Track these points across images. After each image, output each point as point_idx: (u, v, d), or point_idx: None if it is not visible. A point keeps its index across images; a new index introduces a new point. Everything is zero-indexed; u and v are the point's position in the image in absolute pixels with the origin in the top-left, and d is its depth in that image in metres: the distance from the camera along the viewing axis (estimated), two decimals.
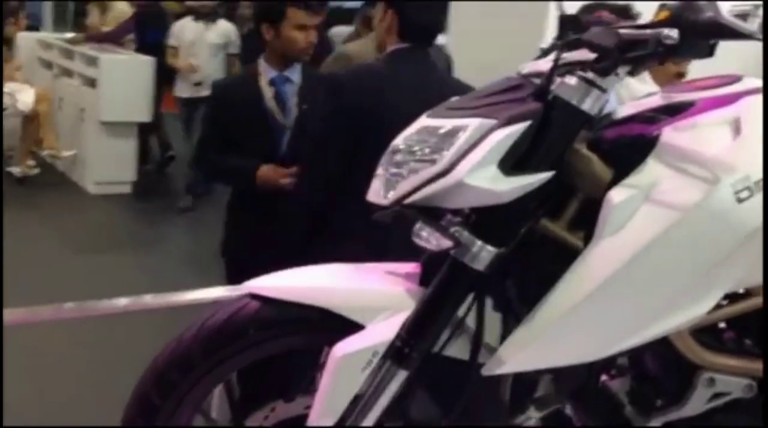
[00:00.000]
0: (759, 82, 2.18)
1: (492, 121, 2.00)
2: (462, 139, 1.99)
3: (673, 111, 2.13)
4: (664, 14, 1.95)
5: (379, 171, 2.15)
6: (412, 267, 2.24)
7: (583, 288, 1.98)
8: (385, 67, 3.42)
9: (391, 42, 3.45)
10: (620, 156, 2.09)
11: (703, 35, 1.90)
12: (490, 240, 2.07)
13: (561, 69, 2.05)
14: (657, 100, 2.22)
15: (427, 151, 2.05)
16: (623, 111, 2.23)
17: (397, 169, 2.10)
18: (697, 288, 1.97)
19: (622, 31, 1.96)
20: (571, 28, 2.27)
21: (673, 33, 1.86)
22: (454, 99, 2.21)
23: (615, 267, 1.96)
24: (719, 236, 1.94)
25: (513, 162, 2.00)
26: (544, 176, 2.00)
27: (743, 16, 1.81)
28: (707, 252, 1.95)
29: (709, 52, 1.95)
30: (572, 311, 1.99)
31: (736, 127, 2.01)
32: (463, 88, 3.19)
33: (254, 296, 2.19)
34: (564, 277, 2.02)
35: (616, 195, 2.00)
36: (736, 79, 2.16)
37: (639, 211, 1.98)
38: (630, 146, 2.09)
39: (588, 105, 2.02)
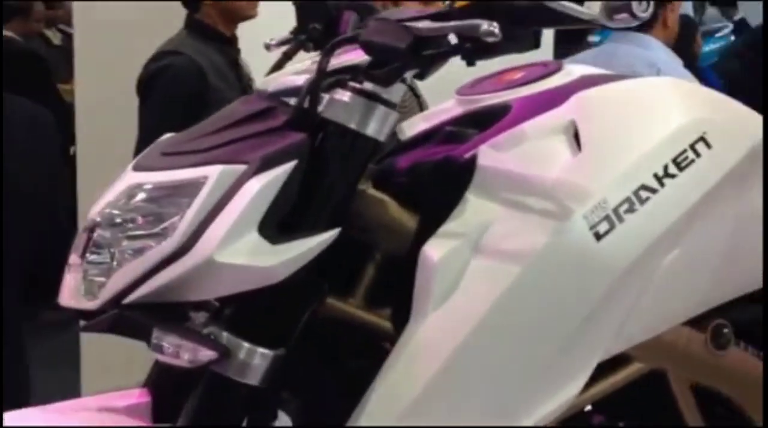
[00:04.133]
0: (587, 70, 1.66)
1: (241, 167, 1.38)
2: (201, 198, 1.37)
3: (483, 121, 1.59)
4: None
5: (72, 259, 1.47)
6: (136, 395, 1.54)
7: (410, 389, 1.41)
8: None
9: None
10: (423, 192, 1.52)
11: (527, 24, 1.35)
12: (260, 340, 1.43)
13: (324, 81, 1.43)
14: (455, 108, 1.67)
15: (146, 220, 1.41)
16: (413, 127, 1.65)
17: (100, 253, 1.44)
18: (562, 361, 1.44)
19: (417, 24, 1.37)
20: (316, 17, 1.67)
21: (495, 28, 1.29)
22: (168, 137, 1.54)
23: (450, 352, 1.40)
24: (579, 287, 1.43)
25: (279, 222, 1.40)
26: (327, 237, 1.40)
27: None
28: (568, 311, 1.43)
29: (535, 44, 1.41)
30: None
31: (575, 136, 1.50)
32: None
33: None
34: (379, 377, 1.43)
35: (434, 250, 1.43)
36: (555, 67, 1.64)
37: (469, 269, 1.43)
38: (434, 177, 1.51)
39: (374, 127, 1.44)
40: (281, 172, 1.38)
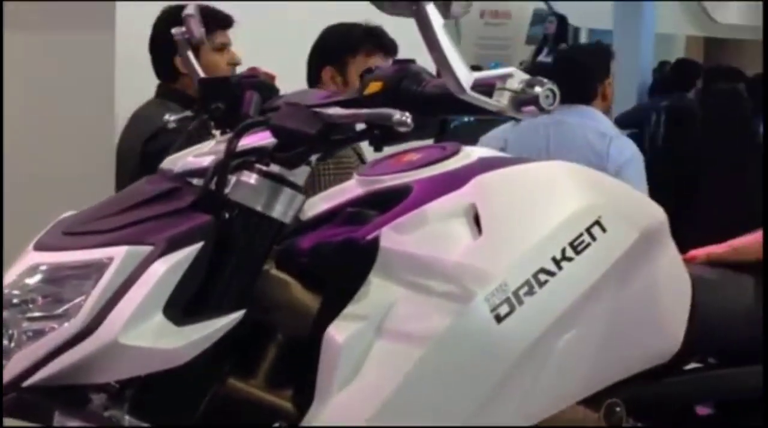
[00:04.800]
0: (485, 152, 1.69)
1: (147, 248, 1.39)
2: (106, 279, 1.37)
3: (384, 202, 1.60)
4: (376, 85, 1.42)
5: None
6: None
7: None
8: None
9: None
10: (325, 273, 1.52)
11: (436, 113, 1.38)
12: (162, 421, 1.42)
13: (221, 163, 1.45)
14: (355, 188, 1.68)
15: (46, 301, 1.39)
16: (314, 208, 1.66)
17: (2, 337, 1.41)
18: None
19: (327, 111, 1.39)
20: (218, 96, 1.68)
21: (407, 117, 1.32)
22: (69, 215, 1.52)
23: None
24: (480, 368, 1.45)
25: (183, 303, 1.39)
26: (232, 318, 1.41)
27: (488, 85, 1.29)
28: (469, 393, 1.44)
29: (441, 129, 1.43)
30: None
31: (474, 219, 1.52)
32: None
33: None
34: None
35: (338, 332, 1.44)
36: (453, 150, 1.66)
37: (373, 350, 1.44)
38: (336, 258, 1.52)
39: (279, 210, 1.45)
40: (187, 253, 1.38)
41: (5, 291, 1.41)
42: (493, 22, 11.71)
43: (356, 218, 1.60)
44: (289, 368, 1.51)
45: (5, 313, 1.40)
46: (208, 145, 1.57)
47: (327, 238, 1.56)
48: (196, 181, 1.50)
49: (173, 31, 1.94)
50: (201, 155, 1.52)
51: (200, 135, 1.72)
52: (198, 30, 1.87)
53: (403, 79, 1.39)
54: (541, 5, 11.39)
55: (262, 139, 1.48)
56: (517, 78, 1.27)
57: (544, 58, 10.81)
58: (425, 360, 1.41)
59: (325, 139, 1.39)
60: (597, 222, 1.52)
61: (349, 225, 1.59)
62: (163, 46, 3.17)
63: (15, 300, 1.40)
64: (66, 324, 1.35)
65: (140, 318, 1.34)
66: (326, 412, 1.41)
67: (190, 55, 1.93)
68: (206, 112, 1.73)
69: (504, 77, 1.28)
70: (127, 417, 1.39)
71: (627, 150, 3.62)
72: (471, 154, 1.67)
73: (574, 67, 3.77)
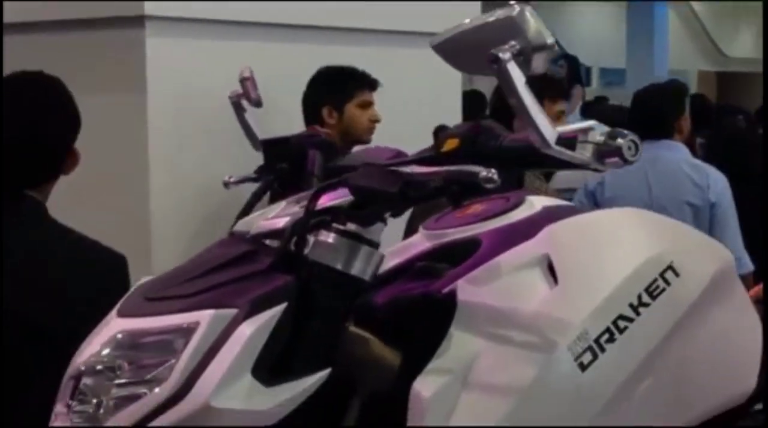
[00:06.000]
0: (548, 201, 1.70)
1: (231, 311, 1.39)
2: (194, 343, 1.38)
3: (453, 255, 1.61)
4: (452, 142, 1.43)
5: (58, 408, 1.45)
6: None
7: None
8: None
9: None
10: (404, 328, 1.53)
11: (518, 167, 1.38)
12: None
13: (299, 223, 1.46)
14: (423, 242, 1.69)
15: (134, 367, 1.40)
16: (384, 263, 1.67)
17: (87, 402, 1.42)
18: None
19: (404, 169, 1.42)
20: (282, 157, 1.69)
21: (494, 174, 1.33)
22: (148, 281, 1.53)
23: None
24: (568, 418, 1.45)
25: (270, 364, 1.40)
26: (319, 377, 1.42)
27: (570, 138, 1.30)
28: None
29: (519, 184, 1.45)
30: None
31: (549, 268, 1.54)
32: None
33: None
34: None
35: (424, 387, 1.44)
36: (517, 200, 1.66)
37: (460, 404, 1.44)
38: (415, 313, 1.53)
39: (358, 267, 1.46)
40: (272, 315, 1.39)
41: (91, 359, 1.42)
42: None
43: (427, 272, 1.61)
44: (372, 424, 1.52)
45: (91, 380, 1.41)
46: (278, 207, 1.58)
47: (402, 293, 1.57)
48: (268, 242, 1.51)
49: (228, 94, 1.98)
50: (274, 217, 1.53)
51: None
52: (254, 92, 1.90)
53: (479, 135, 1.41)
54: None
55: (333, 198, 1.50)
56: (599, 130, 1.29)
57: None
58: (514, 412, 1.41)
59: (405, 198, 1.40)
60: (670, 267, 1.54)
61: (421, 279, 1.60)
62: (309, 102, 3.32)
63: (100, 367, 1.41)
64: (157, 389, 1.35)
65: (230, 381, 1.35)
66: None
67: (247, 116, 1.97)
68: (271, 172, 1.76)
69: (586, 130, 1.29)
70: None
71: (720, 179, 3.70)
72: (534, 203, 1.68)
73: (652, 105, 3.87)
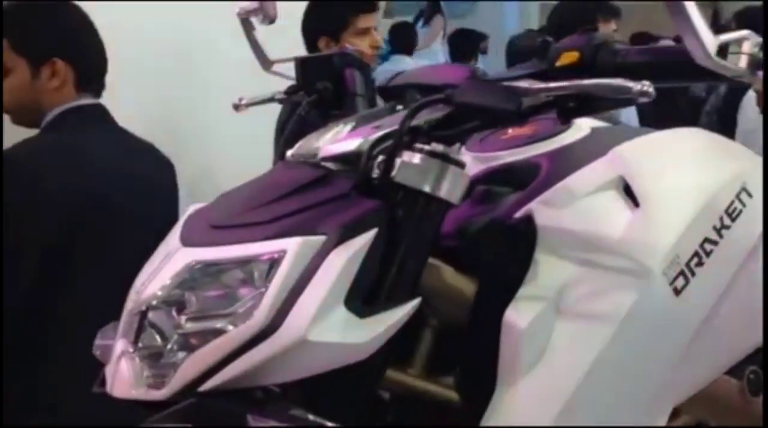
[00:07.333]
0: (594, 123, 1.65)
1: (320, 238, 1.27)
2: (282, 273, 1.25)
3: (511, 178, 1.55)
4: (570, 55, 1.34)
5: (122, 345, 1.32)
6: None
7: None
8: (66, 136, 2.40)
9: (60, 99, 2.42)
10: (478, 255, 1.46)
11: (654, 81, 1.28)
12: (335, 419, 1.31)
13: (378, 144, 1.36)
14: (473, 165, 1.60)
15: (213, 300, 1.28)
16: None
17: (158, 338, 1.30)
18: (651, 411, 1.45)
19: (521, 85, 1.31)
20: (322, 75, 1.67)
21: (649, 87, 1.22)
22: (204, 208, 1.43)
23: (552, 418, 1.36)
24: (667, 341, 1.44)
25: (363, 295, 1.30)
26: (411, 306, 1.32)
27: (725, 49, 1.22)
28: (658, 365, 1.44)
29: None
30: None
31: (626, 192, 1.49)
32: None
33: None
34: None
35: (519, 316, 1.38)
36: (565, 124, 1.59)
37: (557, 332, 1.38)
38: (490, 239, 1.46)
39: (446, 189, 1.35)
40: (364, 241, 1.28)
41: (159, 292, 1.31)
42: None
43: (489, 196, 1.54)
44: (446, 355, 1.45)
45: (164, 315, 1.30)
46: (335, 129, 1.48)
47: (467, 219, 1.50)
48: (335, 166, 1.41)
49: (237, 10, 1.85)
50: (341, 139, 1.43)
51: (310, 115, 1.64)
52: (273, 6, 1.78)
53: (599, 49, 1.34)
54: None
55: (396, 120, 1.40)
56: (753, 41, 1.22)
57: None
58: (616, 339, 1.37)
59: (520, 114, 1.32)
60: (744, 189, 1.52)
61: (483, 204, 1.53)
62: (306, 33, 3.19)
63: (177, 301, 1.29)
64: (243, 324, 1.24)
65: (325, 313, 1.25)
66: (514, 399, 1.35)
67: (255, 34, 1.85)
68: (313, 92, 1.65)
69: (740, 40, 1.22)
70: (310, 417, 1.30)
71: None
72: (582, 125, 1.63)
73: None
